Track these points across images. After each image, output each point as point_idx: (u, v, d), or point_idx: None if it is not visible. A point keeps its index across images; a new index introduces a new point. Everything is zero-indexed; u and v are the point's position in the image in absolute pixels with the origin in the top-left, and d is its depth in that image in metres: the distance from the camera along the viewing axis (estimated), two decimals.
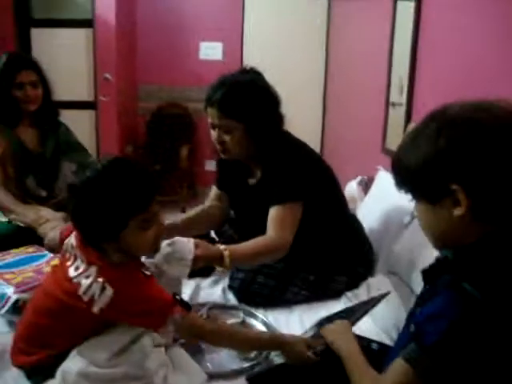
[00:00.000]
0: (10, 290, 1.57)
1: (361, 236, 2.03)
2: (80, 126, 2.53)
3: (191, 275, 2.03)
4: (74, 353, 1.22)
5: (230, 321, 1.61)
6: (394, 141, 2.75)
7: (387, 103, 2.93)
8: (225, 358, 1.47)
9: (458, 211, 0.84)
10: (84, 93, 4.62)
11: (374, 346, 1.50)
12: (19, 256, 1.84)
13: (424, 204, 0.91)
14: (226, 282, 1.92)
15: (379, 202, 2.30)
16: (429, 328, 0.87)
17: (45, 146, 2.30)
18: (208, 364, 1.43)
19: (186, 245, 1.50)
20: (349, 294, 1.88)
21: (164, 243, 1.46)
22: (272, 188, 1.78)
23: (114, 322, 1.24)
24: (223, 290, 1.89)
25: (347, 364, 1.17)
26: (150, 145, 4.84)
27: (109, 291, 1.18)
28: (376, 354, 1.45)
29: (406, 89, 2.58)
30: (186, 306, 1.30)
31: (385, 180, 2.42)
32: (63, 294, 1.25)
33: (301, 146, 1.89)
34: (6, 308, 1.54)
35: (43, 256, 1.83)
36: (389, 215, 2.12)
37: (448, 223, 0.86)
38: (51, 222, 1.99)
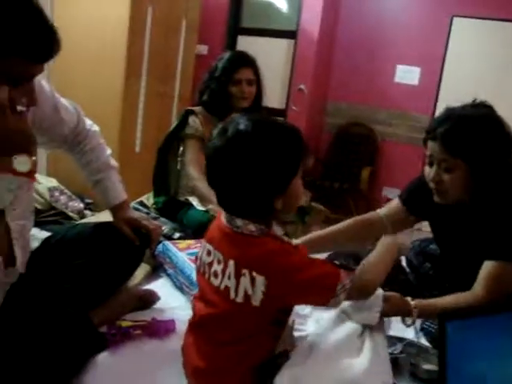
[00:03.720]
0: None
1: None
2: None
3: None
4: None
5: (427, 367, 1.42)
6: None
7: None
8: None
9: None
10: (276, 101, 4.71)
11: None
12: None
13: None
14: (417, 321, 1.73)
15: None
16: None
17: None
18: None
19: (376, 296, 1.35)
20: None
21: None
22: (492, 239, 1.53)
23: (282, 307, 1.11)
24: (415, 330, 1.69)
25: None
26: (332, 161, 4.78)
27: (260, 279, 1.05)
28: None
29: None
30: (347, 267, 1.15)
31: None
32: (216, 307, 1.13)
33: None
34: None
35: None
36: None
37: None
38: None
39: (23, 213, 1.11)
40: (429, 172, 1.60)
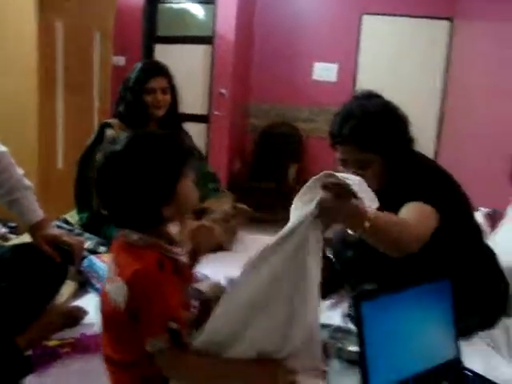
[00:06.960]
0: None
1: (497, 270, 1.81)
2: (193, 138, 2.56)
3: None
4: None
5: (351, 348, 1.49)
6: None
7: None
8: None
9: None
10: (199, 106, 4.74)
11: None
12: None
13: None
14: (344, 307, 1.81)
15: None
16: None
17: None
18: None
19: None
20: (482, 334, 1.69)
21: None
22: (399, 196, 1.56)
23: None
24: (342, 317, 1.77)
25: None
26: (258, 162, 4.86)
27: (123, 288, 1.05)
28: None
29: None
30: (177, 341, 1.06)
31: None
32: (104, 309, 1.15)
33: (434, 165, 1.73)
34: None
35: None
36: None
37: None
38: None
39: None
40: (346, 173, 1.62)
